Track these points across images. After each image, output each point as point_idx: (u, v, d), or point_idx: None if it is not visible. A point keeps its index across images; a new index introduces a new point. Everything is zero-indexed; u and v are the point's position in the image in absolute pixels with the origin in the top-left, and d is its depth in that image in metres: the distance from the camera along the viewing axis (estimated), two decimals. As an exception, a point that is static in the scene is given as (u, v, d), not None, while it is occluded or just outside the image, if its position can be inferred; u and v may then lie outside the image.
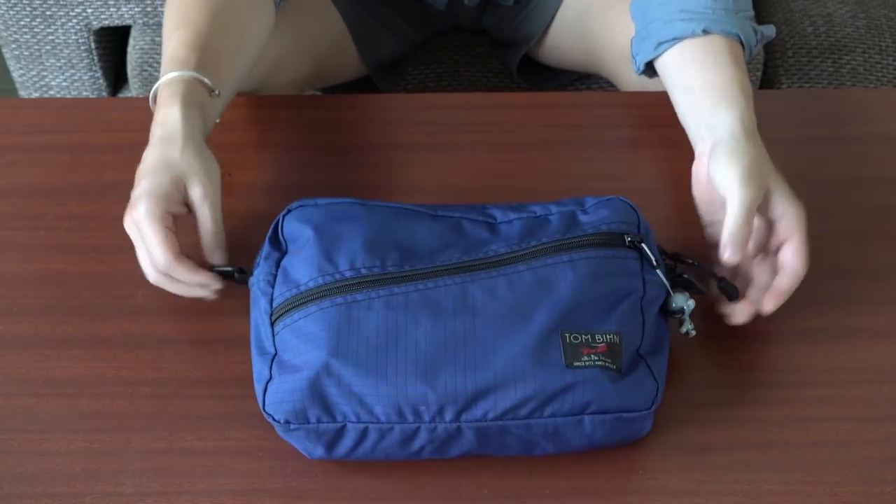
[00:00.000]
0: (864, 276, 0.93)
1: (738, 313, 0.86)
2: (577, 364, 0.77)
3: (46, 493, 0.80)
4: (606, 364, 0.78)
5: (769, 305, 0.86)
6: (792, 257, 0.85)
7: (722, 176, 0.86)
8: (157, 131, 0.88)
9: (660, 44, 0.97)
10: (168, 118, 0.88)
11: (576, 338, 0.78)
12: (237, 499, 0.80)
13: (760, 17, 1.46)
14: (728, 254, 0.83)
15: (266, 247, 0.84)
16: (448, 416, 0.77)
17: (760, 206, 0.86)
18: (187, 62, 0.91)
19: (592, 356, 0.78)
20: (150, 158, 0.87)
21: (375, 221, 0.84)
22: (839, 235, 0.96)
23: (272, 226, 0.85)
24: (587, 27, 1.21)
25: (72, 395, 0.86)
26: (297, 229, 0.83)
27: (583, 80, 1.36)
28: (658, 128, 1.02)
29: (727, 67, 0.93)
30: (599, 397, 0.77)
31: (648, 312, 0.82)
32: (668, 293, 0.83)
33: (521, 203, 0.87)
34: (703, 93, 0.92)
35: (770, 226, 0.87)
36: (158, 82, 0.91)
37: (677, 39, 0.96)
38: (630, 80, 1.11)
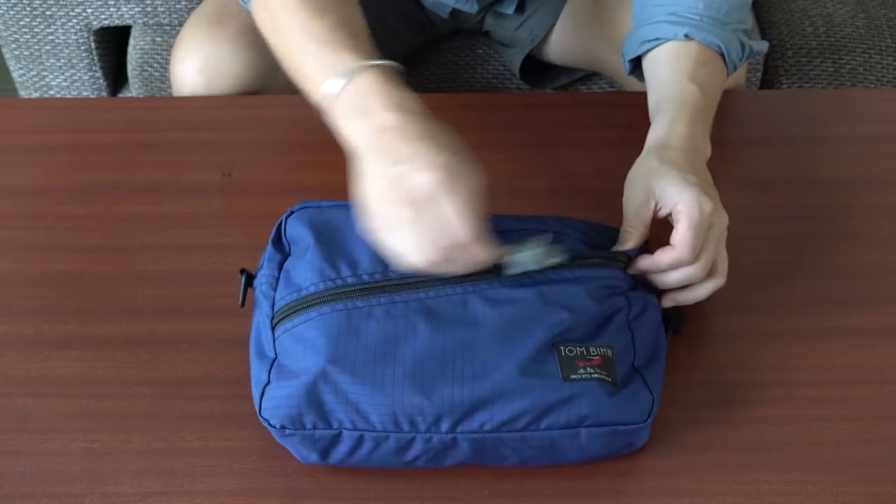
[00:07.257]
0: (864, 276, 0.93)
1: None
2: (573, 377, 0.77)
3: (46, 493, 0.80)
4: (602, 376, 0.77)
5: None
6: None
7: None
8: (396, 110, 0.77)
9: (644, 42, 0.98)
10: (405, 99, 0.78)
11: (571, 350, 0.78)
12: (237, 499, 0.80)
13: (760, 18, 1.46)
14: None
15: (269, 249, 0.84)
16: (444, 426, 0.76)
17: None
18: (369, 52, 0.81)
19: (588, 368, 0.77)
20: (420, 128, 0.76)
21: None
22: (839, 235, 0.96)
23: (275, 228, 0.85)
24: (594, 26, 1.22)
25: (72, 395, 0.85)
26: (300, 232, 0.83)
27: (583, 80, 1.36)
28: (658, 128, 1.02)
29: (684, 78, 0.93)
30: (596, 410, 0.77)
31: (637, 327, 0.81)
32: (653, 305, 0.83)
33: (528, 216, 0.86)
34: (656, 103, 0.94)
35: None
36: (346, 77, 0.79)
37: (659, 40, 0.97)
38: (633, 80, 1.11)
